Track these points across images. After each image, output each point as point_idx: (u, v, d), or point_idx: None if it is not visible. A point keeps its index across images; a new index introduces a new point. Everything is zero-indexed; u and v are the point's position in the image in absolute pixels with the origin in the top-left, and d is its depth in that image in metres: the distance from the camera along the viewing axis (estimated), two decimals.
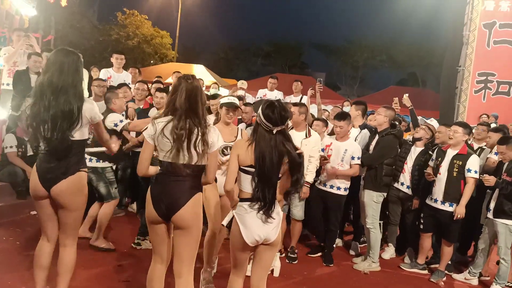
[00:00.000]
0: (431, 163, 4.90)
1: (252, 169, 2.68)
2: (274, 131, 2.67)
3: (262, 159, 2.65)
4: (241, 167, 2.73)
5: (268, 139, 2.66)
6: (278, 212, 2.76)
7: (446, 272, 4.81)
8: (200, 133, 2.59)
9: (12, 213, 5.17)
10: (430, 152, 5.12)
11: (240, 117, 5.75)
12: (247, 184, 2.72)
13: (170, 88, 2.62)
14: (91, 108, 2.87)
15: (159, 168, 2.71)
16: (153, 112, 5.63)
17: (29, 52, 6.35)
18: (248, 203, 2.69)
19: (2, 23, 9.12)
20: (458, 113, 9.88)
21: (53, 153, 2.79)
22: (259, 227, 2.69)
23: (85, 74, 7.25)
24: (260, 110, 2.72)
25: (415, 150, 5.14)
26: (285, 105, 2.77)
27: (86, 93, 6.08)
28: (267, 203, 2.67)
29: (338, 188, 4.75)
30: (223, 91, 11.34)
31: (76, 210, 2.93)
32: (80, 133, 2.84)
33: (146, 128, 2.67)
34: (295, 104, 5.13)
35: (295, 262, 4.77)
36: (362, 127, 5.70)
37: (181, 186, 2.64)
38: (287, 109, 2.73)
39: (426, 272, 4.92)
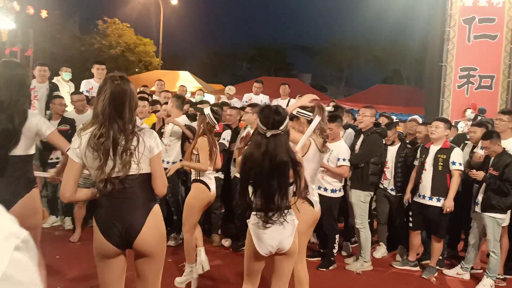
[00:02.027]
0: (416, 162, 4.94)
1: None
2: (268, 135, 2.54)
3: (250, 164, 2.56)
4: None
5: (259, 144, 2.56)
6: (292, 220, 2.65)
7: (437, 267, 4.83)
8: (124, 139, 2.20)
9: None
10: (408, 146, 5.17)
11: (225, 122, 5.72)
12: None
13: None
14: (36, 123, 2.71)
15: (97, 190, 2.27)
16: (137, 122, 5.55)
17: None
18: (259, 213, 2.62)
19: None
20: (443, 108, 9.95)
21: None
22: (271, 237, 2.61)
23: (72, 86, 7.13)
24: (210, 112, 2.88)
25: (391, 150, 5.19)
26: (280, 109, 2.61)
27: (70, 107, 5.97)
28: (272, 211, 2.56)
29: (325, 190, 4.69)
30: (208, 97, 11.29)
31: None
32: (22, 149, 2.66)
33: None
34: (249, 105, 5.38)
35: None
36: (346, 126, 5.72)
37: (131, 204, 2.24)
38: (280, 112, 2.58)
39: (417, 268, 4.93)
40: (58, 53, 20.78)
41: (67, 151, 2.26)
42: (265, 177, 2.53)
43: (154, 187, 2.31)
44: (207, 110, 4.04)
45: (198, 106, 5.32)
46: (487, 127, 5.23)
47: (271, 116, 2.55)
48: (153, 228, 2.26)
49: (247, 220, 2.74)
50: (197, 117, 4.70)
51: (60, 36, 22.41)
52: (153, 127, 5.29)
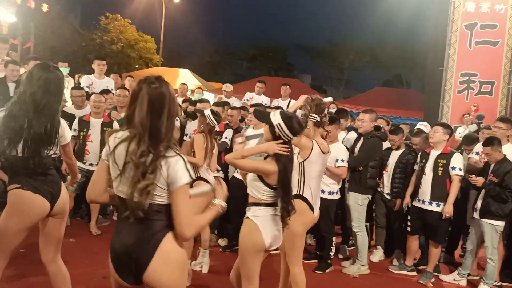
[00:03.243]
0: (416, 167, 4.93)
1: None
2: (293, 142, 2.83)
3: (286, 170, 2.79)
4: (270, 184, 2.81)
5: (290, 150, 2.83)
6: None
7: (434, 273, 4.81)
8: (149, 161, 1.85)
9: None
10: (413, 153, 5.16)
11: (226, 122, 5.71)
12: (262, 194, 2.82)
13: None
14: (64, 129, 2.79)
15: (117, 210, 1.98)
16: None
17: (6, 60, 6.18)
18: (267, 208, 2.80)
19: None
20: (442, 113, 9.97)
21: (36, 171, 2.67)
22: (274, 232, 2.84)
23: (71, 81, 7.11)
24: (281, 121, 2.79)
25: (394, 154, 5.18)
26: (299, 119, 2.96)
27: (69, 102, 5.95)
28: (288, 210, 2.77)
29: (322, 191, 4.63)
30: (208, 95, 11.27)
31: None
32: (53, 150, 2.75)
33: None
34: (253, 105, 5.41)
35: None
36: (349, 129, 5.71)
37: (142, 232, 1.90)
38: (301, 123, 2.91)
39: (414, 273, 4.92)
40: (59, 47, 20.74)
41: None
42: (289, 177, 2.81)
43: (175, 225, 1.91)
44: (207, 112, 4.11)
45: (199, 107, 5.36)
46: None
47: (296, 126, 2.82)
48: (164, 262, 1.90)
49: (251, 211, 2.84)
50: (196, 116, 4.70)
51: (60, 30, 22.35)
52: None
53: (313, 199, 3.50)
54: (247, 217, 2.87)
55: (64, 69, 7.26)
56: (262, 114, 3.03)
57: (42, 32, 18.06)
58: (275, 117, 2.83)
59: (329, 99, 4.30)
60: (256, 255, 2.83)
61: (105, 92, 6.12)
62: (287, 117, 2.83)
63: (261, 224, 2.80)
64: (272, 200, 2.82)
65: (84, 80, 6.61)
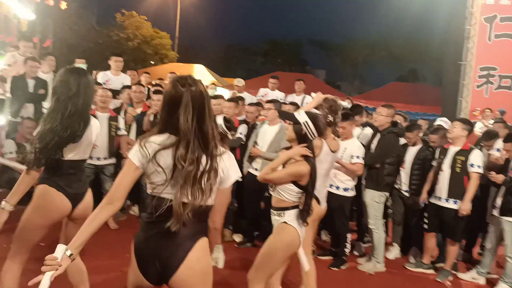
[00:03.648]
0: (434, 163, 4.86)
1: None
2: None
3: (315, 170, 2.87)
4: (302, 186, 2.88)
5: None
6: None
7: (452, 271, 4.75)
8: (209, 163, 1.88)
9: (12, 219, 5.11)
10: (430, 149, 5.09)
11: (242, 117, 5.71)
12: (294, 196, 2.90)
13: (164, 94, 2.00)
14: (97, 127, 2.85)
15: (147, 209, 1.94)
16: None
17: (26, 57, 6.30)
18: (296, 209, 2.90)
19: (1, 28, 9.08)
20: (461, 108, 9.81)
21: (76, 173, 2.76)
22: (303, 232, 2.97)
23: None
24: (308, 120, 2.85)
25: (411, 150, 5.11)
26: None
27: None
28: (310, 210, 2.89)
29: (337, 188, 4.64)
30: (221, 91, 11.27)
31: None
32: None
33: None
34: (269, 101, 5.39)
35: None
36: (364, 125, 5.65)
37: (175, 235, 1.87)
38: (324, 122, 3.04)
39: (432, 271, 4.86)
40: (76, 44, 21.00)
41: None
42: (316, 177, 2.90)
43: (211, 220, 1.98)
44: (219, 120, 4.00)
45: (214, 103, 5.33)
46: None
47: (322, 125, 2.89)
48: (194, 266, 1.90)
49: (287, 216, 2.92)
50: None
51: (78, 27, 22.64)
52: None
53: (318, 193, 3.57)
54: (286, 223, 2.91)
55: (82, 66, 7.36)
56: (287, 113, 3.17)
57: (60, 29, 18.31)
58: (302, 116, 2.87)
59: (345, 104, 4.38)
60: (287, 256, 2.98)
61: (125, 88, 6.27)
62: (314, 116, 2.88)
63: (298, 227, 2.91)
64: (298, 201, 2.92)
65: (101, 77, 6.68)
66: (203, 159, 1.85)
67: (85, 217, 2.70)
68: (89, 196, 2.84)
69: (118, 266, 4.15)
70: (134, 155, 1.88)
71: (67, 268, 2.80)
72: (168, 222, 1.83)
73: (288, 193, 2.91)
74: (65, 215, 2.73)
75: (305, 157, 2.85)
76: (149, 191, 1.92)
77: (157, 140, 1.87)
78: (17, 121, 5.90)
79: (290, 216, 2.92)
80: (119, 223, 5.51)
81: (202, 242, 1.94)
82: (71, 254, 1.82)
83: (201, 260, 1.93)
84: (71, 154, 2.67)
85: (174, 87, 1.89)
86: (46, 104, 6.33)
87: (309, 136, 2.85)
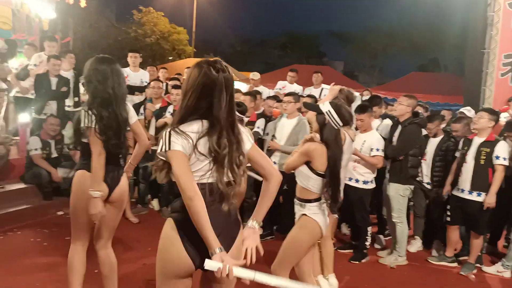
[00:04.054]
0: (457, 154, 4.76)
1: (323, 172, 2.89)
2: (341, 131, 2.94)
3: (335, 157, 2.87)
4: (317, 171, 2.89)
5: (339, 140, 2.92)
6: None
7: (476, 264, 4.66)
8: (238, 147, 1.91)
9: (38, 214, 5.28)
10: (452, 140, 4.99)
11: (260, 111, 5.71)
12: (316, 187, 2.92)
13: (187, 78, 1.91)
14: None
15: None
16: (170, 109, 5.64)
17: (48, 55, 6.43)
18: (318, 202, 2.93)
19: (23, 27, 9.26)
20: (484, 97, 9.54)
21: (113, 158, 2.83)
22: (326, 222, 3.02)
23: None
24: (331, 108, 2.86)
25: (432, 142, 5.01)
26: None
27: None
28: (336, 199, 2.90)
29: (357, 181, 4.60)
30: (239, 85, 11.27)
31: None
32: None
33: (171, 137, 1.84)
34: (288, 94, 5.33)
35: None
36: (383, 117, 5.58)
37: (227, 217, 1.90)
38: (350, 112, 3.05)
39: (455, 265, 4.78)
40: (96, 42, 21.29)
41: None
42: (338, 165, 2.90)
43: (265, 175, 2.01)
44: None
45: None
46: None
47: (346, 114, 2.89)
48: (239, 247, 1.92)
49: (307, 209, 2.95)
50: None
51: (97, 25, 22.94)
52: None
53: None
54: (306, 215, 2.96)
55: None
56: (311, 104, 3.27)
57: (80, 27, 18.58)
58: (325, 105, 2.92)
59: (356, 94, 4.45)
60: (310, 247, 3.04)
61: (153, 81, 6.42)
62: (337, 105, 2.90)
63: (320, 219, 2.94)
64: (320, 191, 2.92)
65: None
66: (234, 143, 1.87)
67: (121, 201, 2.89)
68: (124, 180, 2.93)
69: (139, 259, 4.23)
70: (177, 144, 1.80)
71: (100, 258, 2.90)
72: (214, 204, 1.84)
73: (306, 179, 2.93)
74: (103, 198, 2.81)
75: (327, 144, 2.87)
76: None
77: (194, 128, 1.83)
78: (41, 118, 6.03)
79: (311, 209, 2.94)
80: (141, 217, 5.61)
81: (242, 228, 1.99)
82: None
83: (241, 245, 1.94)
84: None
85: (208, 71, 1.83)
86: (69, 101, 6.47)
87: (333, 125, 2.87)
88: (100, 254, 2.97)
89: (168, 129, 1.86)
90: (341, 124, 2.88)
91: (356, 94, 4.33)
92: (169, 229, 1.90)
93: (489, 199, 4.35)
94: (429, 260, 4.89)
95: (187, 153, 1.81)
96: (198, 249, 1.83)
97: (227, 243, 1.86)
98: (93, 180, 2.70)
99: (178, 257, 1.85)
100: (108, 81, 2.71)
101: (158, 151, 1.86)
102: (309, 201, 2.95)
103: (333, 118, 2.85)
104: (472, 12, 10.33)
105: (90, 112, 2.67)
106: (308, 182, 2.93)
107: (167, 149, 1.81)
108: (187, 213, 1.79)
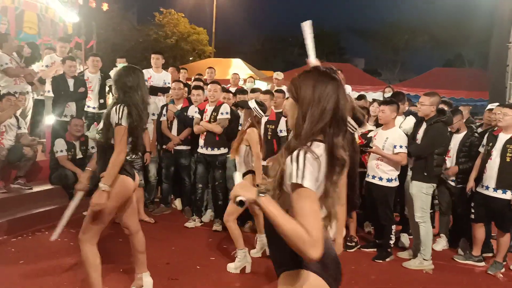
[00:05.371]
0: (481, 149, 4.65)
1: None
2: (355, 134, 2.92)
3: (353, 165, 2.86)
4: None
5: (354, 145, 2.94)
6: None
7: (504, 263, 4.54)
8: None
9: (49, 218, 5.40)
10: (476, 135, 4.88)
11: (279, 110, 5.70)
12: None
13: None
14: None
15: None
16: (192, 109, 5.68)
17: (64, 57, 6.45)
18: None
19: (48, 32, 9.51)
20: (510, 92, 9.28)
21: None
22: None
23: None
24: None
25: (456, 137, 4.92)
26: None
27: None
28: (354, 203, 2.98)
29: (380, 179, 4.56)
30: (259, 84, 11.28)
31: None
32: None
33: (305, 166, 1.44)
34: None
35: (351, 250, 4.92)
36: (407, 113, 5.49)
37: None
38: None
39: (482, 264, 4.67)
40: (118, 44, 21.68)
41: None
42: (355, 169, 2.95)
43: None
44: (252, 104, 4.12)
45: (241, 99, 5.41)
46: None
47: (361, 116, 2.87)
48: None
49: None
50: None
51: (120, 27, 23.36)
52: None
53: None
54: None
55: (122, 65, 7.58)
56: None
57: (103, 30, 18.95)
58: None
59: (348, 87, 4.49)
60: None
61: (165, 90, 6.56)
62: (351, 109, 2.85)
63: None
64: None
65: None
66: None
67: (137, 185, 3.22)
68: (137, 176, 3.25)
69: (163, 259, 4.29)
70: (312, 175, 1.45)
71: (137, 240, 3.32)
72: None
73: None
74: (131, 195, 3.16)
75: None
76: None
77: (318, 149, 1.51)
78: (62, 121, 6.06)
79: None
80: (162, 217, 5.69)
81: None
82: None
83: None
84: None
85: (329, 83, 1.57)
86: (94, 103, 6.55)
87: (350, 130, 2.79)
88: (134, 236, 3.34)
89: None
90: (357, 127, 2.83)
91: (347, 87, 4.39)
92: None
93: None
94: (455, 259, 4.80)
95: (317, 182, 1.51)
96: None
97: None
98: (108, 175, 2.91)
99: None
100: (137, 89, 3.02)
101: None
102: None
103: (349, 123, 2.79)
104: (498, 5, 10.06)
105: (121, 109, 2.93)
106: None
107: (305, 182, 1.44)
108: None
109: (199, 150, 5.45)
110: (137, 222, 3.37)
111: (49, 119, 6.55)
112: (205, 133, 5.36)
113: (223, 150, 5.39)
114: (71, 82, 6.14)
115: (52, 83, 6.21)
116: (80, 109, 6.29)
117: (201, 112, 5.49)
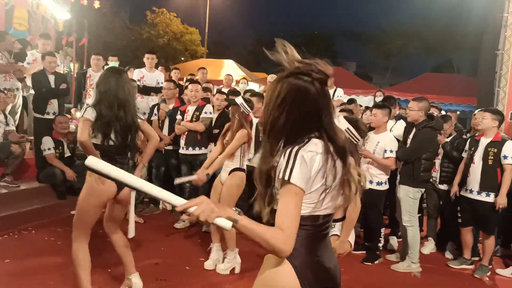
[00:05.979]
0: (464, 154, 4.73)
1: None
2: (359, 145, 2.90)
3: None
4: None
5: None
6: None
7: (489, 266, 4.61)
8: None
9: (52, 214, 5.35)
10: (463, 137, 4.98)
11: None
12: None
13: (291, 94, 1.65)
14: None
15: (306, 229, 1.51)
16: (208, 108, 5.58)
17: (43, 53, 6.29)
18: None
19: (38, 28, 9.40)
20: (498, 99, 9.41)
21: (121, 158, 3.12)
22: None
23: None
24: (349, 125, 2.79)
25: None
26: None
27: None
28: None
29: (371, 182, 4.58)
30: (252, 86, 11.30)
31: None
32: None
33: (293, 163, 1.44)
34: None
35: None
36: (398, 118, 5.54)
37: (331, 250, 1.70)
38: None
39: (472, 267, 4.71)
40: (110, 43, 21.53)
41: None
42: None
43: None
44: (239, 100, 4.04)
45: (230, 96, 5.40)
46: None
47: (363, 127, 2.86)
48: None
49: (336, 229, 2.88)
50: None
51: (112, 26, 23.20)
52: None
53: None
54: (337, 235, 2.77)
55: (114, 63, 7.55)
56: None
57: (95, 28, 18.77)
58: (342, 123, 2.79)
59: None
60: None
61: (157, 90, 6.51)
62: (353, 120, 2.86)
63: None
64: None
65: (136, 74, 6.81)
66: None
67: (128, 199, 3.11)
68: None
69: (152, 259, 4.27)
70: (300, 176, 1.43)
71: (114, 243, 3.26)
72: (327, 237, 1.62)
73: None
74: (111, 197, 3.06)
75: None
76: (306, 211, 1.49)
77: (313, 148, 1.49)
78: (44, 118, 5.91)
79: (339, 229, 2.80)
80: (152, 217, 5.66)
81: None
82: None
83: None
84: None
85: (314, 82, 1.61)
86: (91, 101, 6.47)
87: (353, 140, 2.74)
88: (113, 238, 3.25)
89: None
90: (359, 139, 2.80)
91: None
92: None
93: (500, 199, 4.31)
94: (450, 265, 4.79)
95: (306, 182, 1.51)
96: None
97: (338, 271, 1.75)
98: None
99: None
100: (116, 89, 3.01)
101: None
102: (336, 220, 2.83)
103: (353, 134, 2.76)
104: (488, 13, 10.22)
105: (92, 109, 2.95)
106: None
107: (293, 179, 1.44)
108: (313, 255, 1.56)
109: (180, 151, 5.52)
110: (114, 226, 3.28)
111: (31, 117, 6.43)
112: (186, 133, 5.42)
113: (204, 150, 5.45)
114: (51, 78, 5.98)
115: (32, 80, 6.03)
116: (62, 105, 6.18)
117: (182, 113, 5.58)
